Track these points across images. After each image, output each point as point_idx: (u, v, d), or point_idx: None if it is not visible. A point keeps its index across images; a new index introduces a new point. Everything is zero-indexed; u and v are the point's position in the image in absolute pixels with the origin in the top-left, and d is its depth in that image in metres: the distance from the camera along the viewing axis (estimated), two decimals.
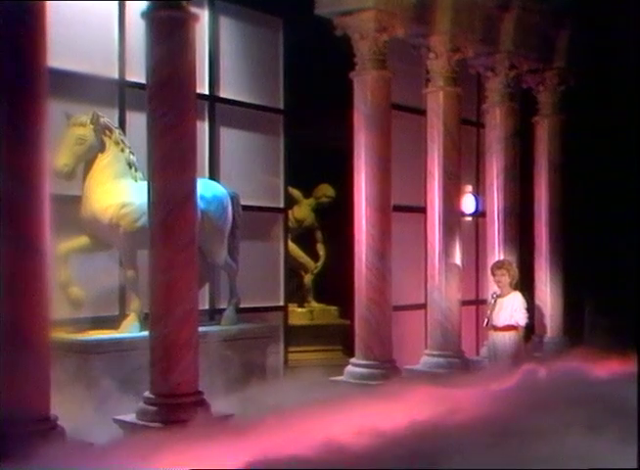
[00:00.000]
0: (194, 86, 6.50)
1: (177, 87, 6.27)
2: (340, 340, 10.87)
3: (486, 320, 9.03)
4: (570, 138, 11.24)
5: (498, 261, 9.51)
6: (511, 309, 8.86)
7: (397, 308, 9.39)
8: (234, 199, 8.40)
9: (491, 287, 9.37)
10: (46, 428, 5.35)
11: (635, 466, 5.07)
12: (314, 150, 10.54)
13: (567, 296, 11.20)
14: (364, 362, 8.63)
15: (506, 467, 5.19)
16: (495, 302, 8.90)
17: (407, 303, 10.28)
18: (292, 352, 9.88)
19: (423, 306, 10.39)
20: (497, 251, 10.31)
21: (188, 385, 6.24)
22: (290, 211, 10.66)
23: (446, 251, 9.41)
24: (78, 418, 6.01)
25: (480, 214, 11.54)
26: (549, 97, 11.11)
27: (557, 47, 10.87)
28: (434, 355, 9.40)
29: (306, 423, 5.93)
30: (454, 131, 9.52)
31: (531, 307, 11.07)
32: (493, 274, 9.13)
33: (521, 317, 8.88)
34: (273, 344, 8.86)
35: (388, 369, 8.58)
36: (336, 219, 10.63)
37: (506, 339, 8.82)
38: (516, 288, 9.15)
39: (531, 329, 11.06)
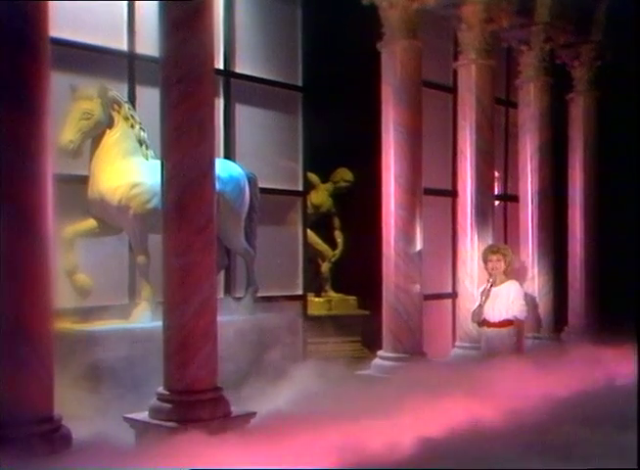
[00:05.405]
0: (211, 53, 5.98)
1: (194, 52, 5.73)
2: (359, 331, 10.42)
3: (477, 315, 7.94)
4: (606, 116, 10.78)
5: (493, 245, 8.42)
6: (507, 301, 7.86)
7: (425, 297, 8.86)
8: (251, 180, 7.94)
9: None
10: (49, 429, 4.86)
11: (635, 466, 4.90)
12: (332, 131, 10.06)
13: (602, 283, 10.71)
14: (393, 355, 8.14)
15: None
16: (488, 293, 7.88)
17: (434, 291, 9.76)
18: (309, 343, 9.41)
19: (450, 296, 9.93)
20: (531, 235, 9.83)
21: (206, 380, 5.76)
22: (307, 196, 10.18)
23: (479, 235, 8.86)
24: (84, 416, 5.56)
25: (508, 198, 11.04)
26: (584, 73, 10.62)
27: (594, 20, 10.42)
28: (466, 347, 8.85)
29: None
30: (487, 107, 8.99)
31: (565, 295, 10.63)
32: (487, 260, 8.06)
33: (519, 310, 7.86)
34: (292, 335, 8.40)
35: (418, 362, 8.03)
36: (354, 205, 10.20)
37: (504, 335, 7.81)
38: (510, 276, 8.16)
39: (565, 318, 10.62)
